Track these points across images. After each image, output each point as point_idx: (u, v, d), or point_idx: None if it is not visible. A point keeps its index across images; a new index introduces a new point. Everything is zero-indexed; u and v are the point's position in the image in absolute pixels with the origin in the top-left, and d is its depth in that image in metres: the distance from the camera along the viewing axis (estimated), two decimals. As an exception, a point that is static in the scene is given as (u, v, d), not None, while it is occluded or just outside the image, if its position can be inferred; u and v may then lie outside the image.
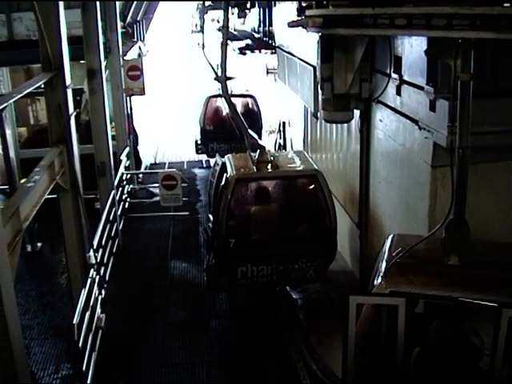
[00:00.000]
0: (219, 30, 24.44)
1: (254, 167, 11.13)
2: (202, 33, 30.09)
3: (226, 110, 18.80)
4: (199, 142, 20.27)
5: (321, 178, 10.87)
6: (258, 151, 11.26)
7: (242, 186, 10.96)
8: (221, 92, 15.67)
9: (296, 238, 10.97)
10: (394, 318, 6.29)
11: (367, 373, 6.54)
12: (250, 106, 20.11)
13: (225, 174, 11.28)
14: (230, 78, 12.52)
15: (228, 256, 10.72)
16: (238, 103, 17.37)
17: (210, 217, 12.28)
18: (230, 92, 13.46)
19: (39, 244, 15.36)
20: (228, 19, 12.64)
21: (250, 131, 12.16)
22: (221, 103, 19.44)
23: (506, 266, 7.14)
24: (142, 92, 17.90)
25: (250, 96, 20.44)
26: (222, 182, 11.27)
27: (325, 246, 10.95)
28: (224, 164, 11.68)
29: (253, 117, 19.20)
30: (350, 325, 6.23)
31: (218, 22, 30.17)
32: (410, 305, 6.26)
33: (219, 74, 12.48)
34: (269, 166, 11.16)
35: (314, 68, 13.85)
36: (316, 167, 11.44)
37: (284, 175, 11.41)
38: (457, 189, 7.39)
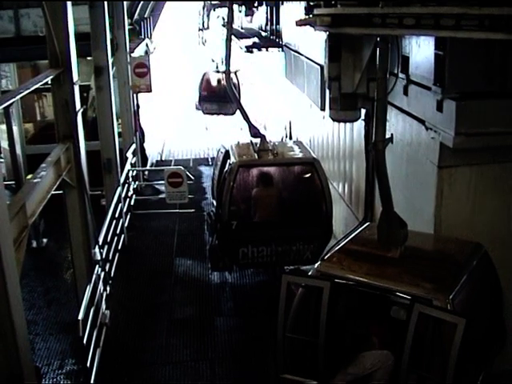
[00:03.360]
0: (223, 25, 25.90)
1: (256, 155, 11.86)
2: (202, 30, 33.32)
3: (215, 81, 26.01)
4: (197, 103, 27.31)
5: (318, 165, 11.60)
6: (260, 140, 12.06)
7: (244, 172, 11.71)
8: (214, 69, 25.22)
9: (294, 222, 11.59)
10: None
11: (297, 346, 7.11)
12: (234, 80, 23.45)
13: (228, 161, 11.96)
14: (234, 72, 13.38)
15: (230, 237, 11.46)
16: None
17: (214, 202, 13.01)
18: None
19: (45, 240, 15.39)
20: (232, 16, 13.51)
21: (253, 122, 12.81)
22: (213, 76, 26.26)
23: (441, 259, 7.59)
24: (148, 89, 17.90)
25: (234, 72, 23.99)
26: (225, 169, 11.92)
27: (321, 230, 11.58)
28: (227, 151, 12.38)
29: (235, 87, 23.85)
30: (280, 301, 6.95)
31: (223, 19, 30.35)
32: (334, 288, 6.78)
33: (223, 67, 13.31)
34: (269, 153, 11.90)
35: (321, 67, 13.85)
36: (314, 155, 12.26)
37: (283, 162, 12.13)
38: (379, 182, 7.87)
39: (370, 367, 7.00)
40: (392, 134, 10.24)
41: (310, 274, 7.45)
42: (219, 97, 23.51)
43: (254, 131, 12.42)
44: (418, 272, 7.05)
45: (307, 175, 12.02)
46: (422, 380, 6.48)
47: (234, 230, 11.31)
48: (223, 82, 23.31)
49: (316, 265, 7.46)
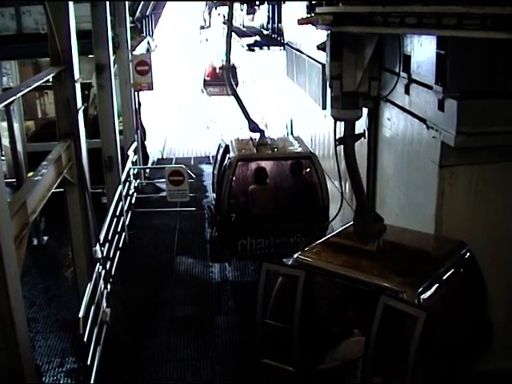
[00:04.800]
0: (224, 23, 26.97)
1: (255, 149, 12.18)
2: (203, 28, 37.45)
3: (217, 69, 34.35)
4: (202, 87, 36.54)
5: (315, 159, 11.88)
6: (259, 135, 12.42)
7: (243, 166, 12.12)
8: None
9: (291, 214, 11.79)
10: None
11: (276, 333, 7.40)
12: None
13: (227, 155, 12.19)
14: (234, 67, 13.75)
15: (229, 229, 11.66)
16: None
17: (214, 195, 13.31)
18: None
19: (45, 238, 15.38)
20: (232, 13, 13.96)
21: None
22: (215, 64, 34.43)
23: (418, 255, 7.81)
24: (150, 87, 17.90)
25: (233, 66, 28.21)
26: (225, 162, 12.14)
27: (318, 222, 11.52)
28: (227, 146, 12.62)
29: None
30: (259, 288, 7.39)
31: (224, 16, 30.58)
32: (309, 277, 7.15)
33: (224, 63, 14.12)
34: (268, 148, 12.23)
35: (323, 65, 13.85)
36: (311, 150, 12.67)
37: (282, 156, 12.42)
38: (350, 177, 8.21)
39: (356, 354, 7.07)
40: (364, 130, 10.41)
41: (289, 263, 7.74)
42: (220, 81, 29.88)
43: (253, 126, 12.70)
44: (391, 265, 7.24)
45: (305, 169, 12.32)
46: (388, 371, 6.62)
47: (233, 223, 11.50)
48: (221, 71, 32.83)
49: (295, 255, 7.73)
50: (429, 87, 8.54)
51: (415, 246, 8.08)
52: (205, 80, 36.48)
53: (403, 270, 7.13)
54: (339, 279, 7.32)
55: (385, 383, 6.56)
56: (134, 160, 17.41)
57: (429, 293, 6.87)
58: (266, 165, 12.40)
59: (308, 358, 7.31)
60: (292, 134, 22.29)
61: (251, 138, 12.70)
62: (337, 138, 8.00)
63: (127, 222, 15.24)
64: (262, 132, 12.56)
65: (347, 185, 13.82)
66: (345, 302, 7.79)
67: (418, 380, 6.32)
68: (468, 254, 7.74)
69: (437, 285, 7.10)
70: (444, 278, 7.31)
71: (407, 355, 6.20)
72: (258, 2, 22.91)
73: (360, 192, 8.10)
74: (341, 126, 8.07)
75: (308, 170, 12.23)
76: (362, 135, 8.58)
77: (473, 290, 7.88)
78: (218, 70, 34.26)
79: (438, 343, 6.66)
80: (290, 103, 22.49)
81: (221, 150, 13.16)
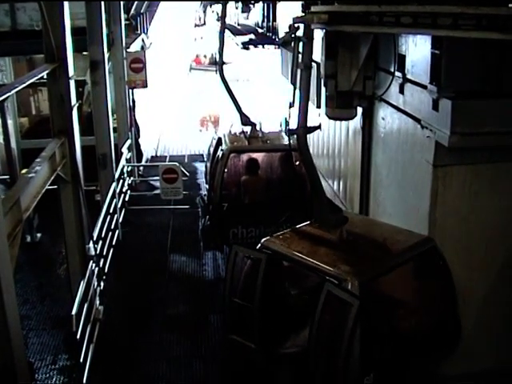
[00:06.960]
0: (218, 19, 27.17)
1: (246, 142, 12.70)
2: (198, 26, 41.77)
3: (201, 57, 46.88)
4: (189, 70, 45.66)
5: None
6: (250, 128, 12.97)
7: (235, 157, 12.65)
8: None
9: (281, 204, 11.99)
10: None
11: (240, 309, 7.73)
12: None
13: (220, 147, 12.66)
14: (225, 63, 14.64)
15: (221, 219, 12.15)
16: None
17: (207, 186, 13.87)
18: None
19: (39, 235, 15.33)
20: (225, 11, 14.56)
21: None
22: (200, 54, 47.86)
23: (376, 247, 7.83)
24: (144, 85, 17.86)
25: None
26: (218, 154, 12.59)
27: (306, 213, 11.57)
28: (220, 139, 13.10)
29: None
30: (228, 267, 7.88)
31: (218, 14, 30.65)
32: (271, 261, 7.54)
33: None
34: (259, 140, 12.80)
35: (318, 64, 13.84)
36: None
37: (272, 148, 13.00)
38: (306, 168, 8.48)
39: None
40: (320, 123, 10.49)
41: (257, 247, 8.02)
42: (204, 66, 42.30)
43: (245, 119, 13.13)
44: (346, 255, 7.43)
45: (294, 161, 12.51)
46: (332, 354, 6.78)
47: (224, 212, 11.91)
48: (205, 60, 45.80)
49: (263, 239, 8.06)
50: (423, 87, 8.55)
51: (378, 239, 8.10)
52: (190, 65, 48.06)
53: (355, 259, 7.33)
54: (294, 264, 7.66)
55: (327, 365, 6.78)
56: (127, 157, 17.38)
57: (375, 283, 7.18)
58: (258, 156, 12.78)
59: (270, 337, 7.58)
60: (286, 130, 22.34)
61: (243, 131, 13.08)
62: (288, 129, 8.15)
63: (121, 220, 15.23)
64: (253, 125, 12.96)
65: (341, 183, 13.89)
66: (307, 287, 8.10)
67: (354, 363, 6.52)
68: (434, 250, 7.78)
69: (387, 276, 7.34)
70: (398, 270, 7.49)
71: (341, 340, 6.45)
72: (252, 1, 22.93)
73: (317, 183, 8.20)
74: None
75: (298, 162, 12.33)
76: (316, 127, 8.68)
77: (437, 286, 7.93)
78: (200, 58, 47.36)
79: (386, 332, 6.97)
80: (285, 101, 22.46)
81: (214, 143, 13.50)
